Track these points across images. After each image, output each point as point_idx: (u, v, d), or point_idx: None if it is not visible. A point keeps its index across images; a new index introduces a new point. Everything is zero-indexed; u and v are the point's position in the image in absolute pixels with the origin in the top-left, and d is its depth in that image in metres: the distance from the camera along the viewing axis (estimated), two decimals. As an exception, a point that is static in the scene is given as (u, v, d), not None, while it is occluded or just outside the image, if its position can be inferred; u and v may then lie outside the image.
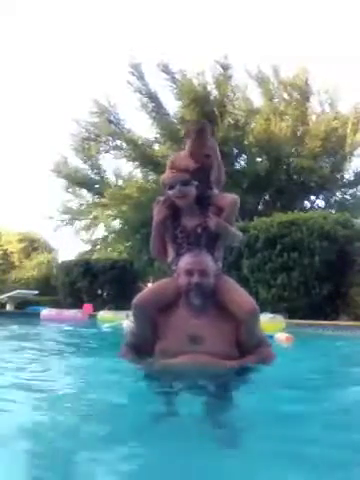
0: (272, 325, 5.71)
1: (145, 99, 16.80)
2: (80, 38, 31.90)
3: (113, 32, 28.91)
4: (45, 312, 9.58)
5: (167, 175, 2.85)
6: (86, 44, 31.17)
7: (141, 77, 16.58)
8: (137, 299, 2.55)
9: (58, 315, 9.23)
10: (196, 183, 2.72)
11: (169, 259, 2.76)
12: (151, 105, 16.76)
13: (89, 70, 30.66)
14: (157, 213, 2.79)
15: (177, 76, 16.48)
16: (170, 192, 2.73)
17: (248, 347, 2.49)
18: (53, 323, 8.05)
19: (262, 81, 16.85)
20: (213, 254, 2.68)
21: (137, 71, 16.55)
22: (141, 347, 2.58)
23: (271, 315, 6.55)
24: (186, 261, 2.55)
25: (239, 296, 2.53)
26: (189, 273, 2.49)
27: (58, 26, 29.41)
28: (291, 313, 8.47)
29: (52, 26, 30.13)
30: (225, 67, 16.44)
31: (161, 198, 2.85)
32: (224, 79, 16.46)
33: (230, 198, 2.87)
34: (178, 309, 2.54)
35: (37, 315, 9.47)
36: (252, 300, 2.52)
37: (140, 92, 16.76)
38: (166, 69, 16.38)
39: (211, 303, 2.52)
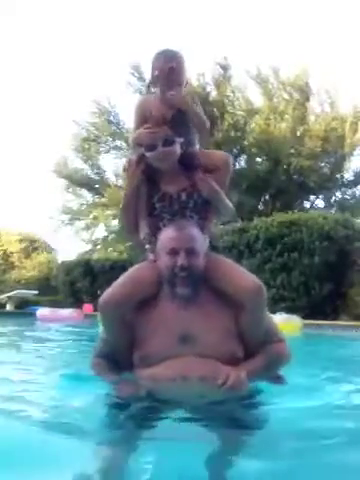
0: (288, 325, 5.33)
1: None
2: (80, 39, 31.97)
3: (114, 33, 28.96)
4: (41, 311, 9.54)
5: (141, 132, 2.11)
6: (86, 45, 31.25)
7: (141, 78, 16.59)
8: (106, 296, 1.92)
9: (54, 315, 9.17)
10: (181, 140, 2.08)
11: (141, 235, 2.14)
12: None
13: (90, 71, 30.72)
14: (131, 177, 2.13)
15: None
16: (149, 154, 2.06)
17: (254, 342, 1.89)
18: (49, 323, 8.00)
19: (262, 81, 16.86)
20: (203, 227, 2.06)
21: (137, 72, 16.59)
22: (116, 358, 2.00)
23: (286, 315, 6.22)
24: (168, 236, 1.89)
25: (238, 274, 1.93)
26: (173, 252, 1.84)
27: (58, 26, 29.48)
28: (291, 313, 8.44)
29: (52, 26, 30.21)
30: (225, 68, 16.47)
31: (132, 157, 2.18)
32: (224, 80, 16.48)
33: (222, 155, 2.27)
34: (160, 301, 1.93)
35: (36, 315, 9.45)
36: (255, 277, 1.91)
37: (140, 92, 16.77)
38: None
39: (202, 289, 1.91)
